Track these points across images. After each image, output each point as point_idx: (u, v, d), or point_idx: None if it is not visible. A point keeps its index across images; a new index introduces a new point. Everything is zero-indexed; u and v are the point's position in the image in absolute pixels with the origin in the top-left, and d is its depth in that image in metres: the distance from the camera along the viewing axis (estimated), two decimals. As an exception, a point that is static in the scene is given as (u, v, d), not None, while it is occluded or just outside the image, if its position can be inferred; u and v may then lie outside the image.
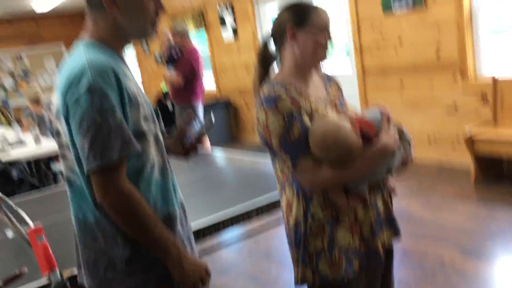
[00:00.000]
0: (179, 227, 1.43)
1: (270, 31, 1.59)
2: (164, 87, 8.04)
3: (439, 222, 3.54)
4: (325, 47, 1.52)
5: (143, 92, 1.43)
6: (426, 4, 4.59)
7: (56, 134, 1.36)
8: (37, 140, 5.07)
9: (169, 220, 1.39)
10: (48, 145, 5.15)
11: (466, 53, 4.41)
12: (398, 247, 3.22)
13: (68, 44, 10.56)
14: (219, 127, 7.46)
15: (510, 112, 4.16)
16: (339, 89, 1.70)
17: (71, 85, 1.23)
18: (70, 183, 1.37)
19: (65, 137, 1.30)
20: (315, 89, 1.58)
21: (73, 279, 1.67)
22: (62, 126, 1.30)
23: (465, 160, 4.49)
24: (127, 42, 1.41)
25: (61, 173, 6.62)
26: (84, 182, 1.31)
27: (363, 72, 5.36)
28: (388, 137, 1.45)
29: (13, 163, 4.19)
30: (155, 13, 1.37)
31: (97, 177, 1.24)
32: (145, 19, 1.36)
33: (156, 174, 1.38)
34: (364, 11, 5.18)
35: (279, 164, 1.54)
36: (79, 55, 1.28)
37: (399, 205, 3.98)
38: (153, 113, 1.42)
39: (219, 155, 3.55)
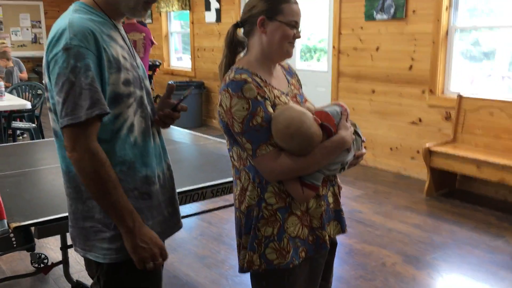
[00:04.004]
0: (157, 188, 1.49)
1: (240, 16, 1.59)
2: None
3: (387, 227, 3.66)
4: (292, 42, 1.54)
5: (137, 59, 1.48)
6: (407, 16, 4.70)
7: (45, 88, 1.40)
8: (0, 94, 4.95)
9: (146, 182, 1.44)
10: (11, 100, 5.04)
11: (437, 70, 4.55)
12: (344, 245, 3.33)
13: (47, 3, 10.29)
14: (189, 109, 7.38)
15: (470, 130, 4.32)
16: (298, 82, 1.73)
17: (52, 43, 1.30)
18: (56, 135, 1.40)
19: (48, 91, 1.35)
20: (278, 81, 1.61)
21: (17, 231, 1.68)
22: (47, 81, 1.35)
23: (422, 172, 4.65)
24: (119, 13, 1.44)
25: (21, 131, 6.45)
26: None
27: (338, 73, 5.45)
28: (346, 131, 1.51)
29: (-28, 114, 4.09)
30: None
31: (66, 133, 1.28)
32: (138, 0, 1.40)
33: (136, 136, 1.41)
34: (346, 14, 5.26)
35: (237, 150, 1.54)
36: (66, 16, 1.34)
37: (352, 206, 4.13)
38: (142, 78, 1.46)
39: (183, 131, 3.55)
